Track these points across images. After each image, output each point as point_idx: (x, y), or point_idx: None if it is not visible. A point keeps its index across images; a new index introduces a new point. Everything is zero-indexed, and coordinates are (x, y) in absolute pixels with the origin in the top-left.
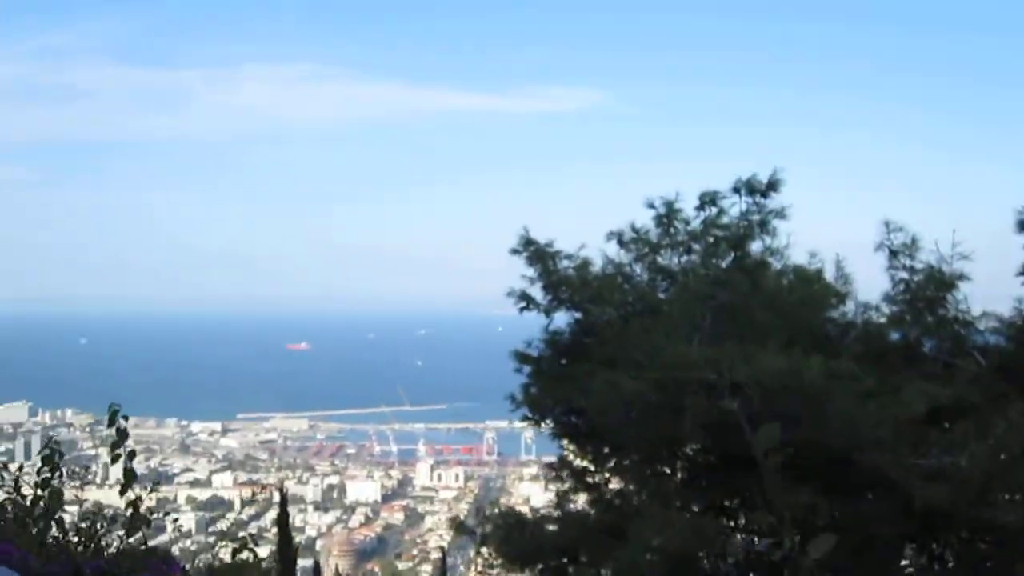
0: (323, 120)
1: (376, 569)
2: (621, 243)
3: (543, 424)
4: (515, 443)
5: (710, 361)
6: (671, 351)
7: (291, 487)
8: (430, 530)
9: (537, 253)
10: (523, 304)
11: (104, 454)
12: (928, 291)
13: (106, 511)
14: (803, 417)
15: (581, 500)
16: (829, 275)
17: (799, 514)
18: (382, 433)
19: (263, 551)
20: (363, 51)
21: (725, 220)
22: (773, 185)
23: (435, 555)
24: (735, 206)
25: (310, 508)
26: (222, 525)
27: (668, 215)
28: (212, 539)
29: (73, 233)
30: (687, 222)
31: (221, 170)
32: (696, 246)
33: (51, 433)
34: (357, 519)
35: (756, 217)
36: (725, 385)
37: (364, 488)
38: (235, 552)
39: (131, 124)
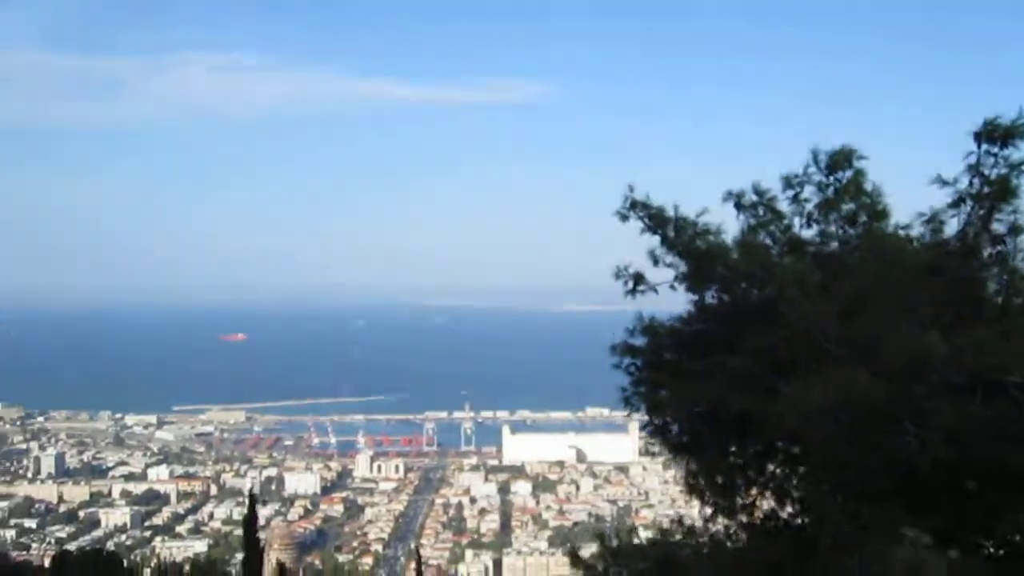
0: (265, 110)
1: (317, 562)
2: (739, 207)
3: (668, 433)
4: (454, 434)
5: (961, 353)
6: (902, 341)
7: (228, 480)
8: (370, 522)
9: (656, 218)
10: (632, 286)
11: (35, 448)
12: None
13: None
14: None
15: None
16: None
17: None
18: (321, 425)
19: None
20: (305, 40)
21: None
22: (1015, 131)
23: (375, 547)
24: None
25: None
26: (158, 519)
27: (801, 178)
28: (148, 533)
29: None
30: (820, 186)
31: (155, 157)
32: (832, 215)
33: None
34: (296, 512)
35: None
36: (978, 384)
37: (303, 480)
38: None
39: (63, 111)
